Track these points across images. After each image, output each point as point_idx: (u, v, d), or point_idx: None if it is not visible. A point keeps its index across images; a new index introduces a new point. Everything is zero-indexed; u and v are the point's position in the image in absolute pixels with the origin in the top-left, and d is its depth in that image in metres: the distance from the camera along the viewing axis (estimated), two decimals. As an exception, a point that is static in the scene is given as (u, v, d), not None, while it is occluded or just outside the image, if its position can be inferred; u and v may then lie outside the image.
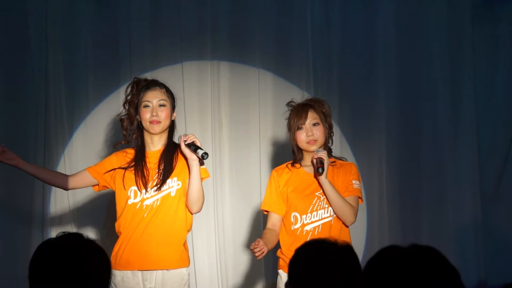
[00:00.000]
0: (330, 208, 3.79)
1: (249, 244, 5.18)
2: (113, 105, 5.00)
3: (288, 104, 3.93)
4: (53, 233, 4.83)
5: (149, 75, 4.89)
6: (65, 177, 3.92)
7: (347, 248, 2.20)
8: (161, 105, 3.85)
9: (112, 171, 3.84)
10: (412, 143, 5.33)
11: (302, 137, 3.82)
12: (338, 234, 3.78)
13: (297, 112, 3.84)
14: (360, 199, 3.86)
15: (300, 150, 3.87)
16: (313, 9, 5.27)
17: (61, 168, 5.05)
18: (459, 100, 5.33)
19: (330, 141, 3.90)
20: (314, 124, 3.82)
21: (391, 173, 5.27)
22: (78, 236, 2.20)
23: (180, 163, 3.84)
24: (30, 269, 2.14)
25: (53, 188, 4.98)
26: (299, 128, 3.82)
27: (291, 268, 2.20)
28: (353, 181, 3.86)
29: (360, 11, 5.34)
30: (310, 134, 3.81)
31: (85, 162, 5.10)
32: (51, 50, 5.12)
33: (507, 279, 2.10)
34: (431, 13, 5.36)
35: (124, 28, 5.19)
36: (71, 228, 4.95)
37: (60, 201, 5.08)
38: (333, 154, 3.92)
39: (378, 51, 5.32)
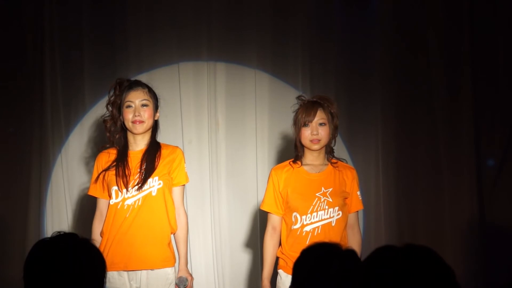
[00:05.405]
0: (330, 209, 3.79)
1: (246, 243, 5.22)
2: (109, 106, 5.00)
3: (298, 98, 3.94)
4: (48, 232, 4.82)
5: (145, 76, 4.91)
6: (100, 221, 3.87)
7: (352, 253, 2.23)
8: (143, 105, 3.86)
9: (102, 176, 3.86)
10: (409, 144, 5.32)
11: (306, 134, 3.83)
12: (338, 236, 3.79)
13: (306, 109, 3.84)
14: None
15: (302, 146, 3.87)
16: (309, 10, 5.27)
17: (58, 167, 5.07)
18: (457, 98, 5.32)
19: (333, 142, 3.91)
20: (321, 124, 3.83)
21: (387, 173, 5.26)
22: (73, 236, 2.20)
23: (162, 162, 3.84)
24: (25, 269, 2.14)
25: (49, 187, 5.02)
26: (305, 125, 3.82)
27: (296, 271, 2.20)
28: (358, 193, 3.90)
29: (357, 12, 5.33)
30: (315, 133, 3.81)
31: (81, 162, 5.11)
32: (47, 50, 5.11)
33: (503, 279, 2.10)
34: (428, 12, 5.34)
35: (121, 29, 5.19)
36: (67, 228, 4.95)
37: (56, 201, 5.08)
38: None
39: (375, 52, 5.31)
